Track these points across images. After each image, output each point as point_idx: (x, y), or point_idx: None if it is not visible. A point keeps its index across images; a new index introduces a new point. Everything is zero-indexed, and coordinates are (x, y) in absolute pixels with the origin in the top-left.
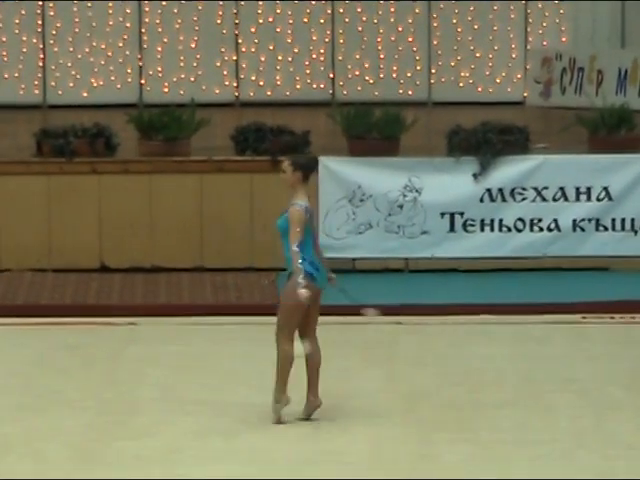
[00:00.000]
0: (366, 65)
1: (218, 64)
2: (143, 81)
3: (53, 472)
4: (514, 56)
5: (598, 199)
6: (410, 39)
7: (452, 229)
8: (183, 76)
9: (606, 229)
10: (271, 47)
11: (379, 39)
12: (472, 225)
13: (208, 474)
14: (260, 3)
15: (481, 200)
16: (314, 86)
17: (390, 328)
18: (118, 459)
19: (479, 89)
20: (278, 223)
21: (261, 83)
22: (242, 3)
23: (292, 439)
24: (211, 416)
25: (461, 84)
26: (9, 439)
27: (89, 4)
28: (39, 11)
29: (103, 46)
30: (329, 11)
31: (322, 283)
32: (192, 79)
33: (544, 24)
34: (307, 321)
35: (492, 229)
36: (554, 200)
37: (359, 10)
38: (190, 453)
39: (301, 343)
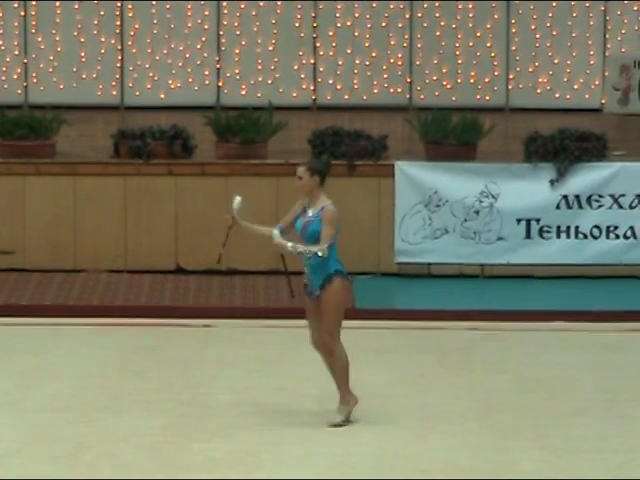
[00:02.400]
0: (444, 70)
1: (296, 67)
2: (221, 83)
3: (128, 473)
4: (592, 63)
5: None
6: (488, 44)
7: (528, 235)
8: (261, 79)
9: None
10: (349, 51)
11: (457, 44)
12: (548, 232)
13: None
14: (338, 6)
15: (557, 207)
16: (391, 90)
17: (466, 334)
18: (193, 461)
19: (557, 95)
20: (310, 229)
21: (339, 87)
22: (321, 6)
23: (367, 444)
24: (286, 420)
25: (539, 90)
26: (85, 439)
27: (168, 5)
28: (118, 12)
29: (181, 48)
30: (407, 15)
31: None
32: (270, 82)
33: (623, 31)
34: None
35: (568, 236)
36: (631, 207)
37: (437, 15)
38: (265, 457)
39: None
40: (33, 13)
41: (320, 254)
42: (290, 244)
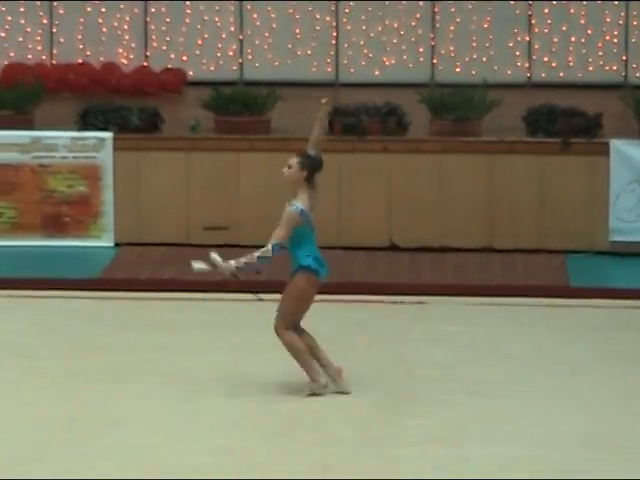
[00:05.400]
0: None
1: (510, 44)
2: (435, 60)
3: (339, 449)
4: None
5: None
6: None
7: None
8: (475, 56)
9: None
10: (564, 28)
11: None
12: None
13: (491, 454)
14: None
15: None
16: (606, 68)
17: None
18: (400, 436)
19: None
20: None
21: (553, 64)
22: None
23: (577, 421)
24: (494, 397)
25: None
26: (298, 415)
27: None
28: None
29: (396, 25)
30: None
31: (322, 277)
32: (484, 59)
33: None
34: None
35: None
36: None
37: None
38: (473, 433)
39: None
40: None
41: (259, 255)
42: (226, 264)
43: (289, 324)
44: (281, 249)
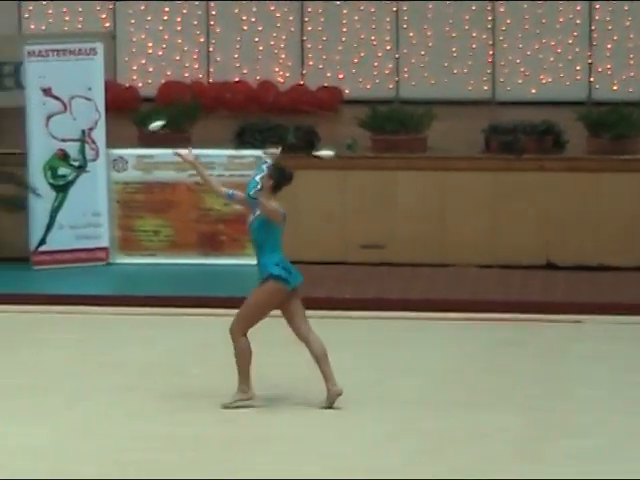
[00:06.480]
0: None
1: None
2: (592, 79)
3: (492, 467)
4: None
5: None
6: None
7: None
8: (632, 74)
9: None
10: None
11: None
12: None
13: None
14: None
15: None
16: None
17: None
18: (558, 457)
19: None
20: (254, 226)
21: None
22: None
23: None
24: None
25: None
26: (449, 434)
27: (539, 2)
28: (489, 7)
29: (552, 43)
30: None
31: (294, 284)
32: None
33: None
34: (294, 320)
35: None
36: None
37: None
38: (630, 452)
39: None
40: (405, 8)
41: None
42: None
43: (245, 329)
44: (234, 198)
